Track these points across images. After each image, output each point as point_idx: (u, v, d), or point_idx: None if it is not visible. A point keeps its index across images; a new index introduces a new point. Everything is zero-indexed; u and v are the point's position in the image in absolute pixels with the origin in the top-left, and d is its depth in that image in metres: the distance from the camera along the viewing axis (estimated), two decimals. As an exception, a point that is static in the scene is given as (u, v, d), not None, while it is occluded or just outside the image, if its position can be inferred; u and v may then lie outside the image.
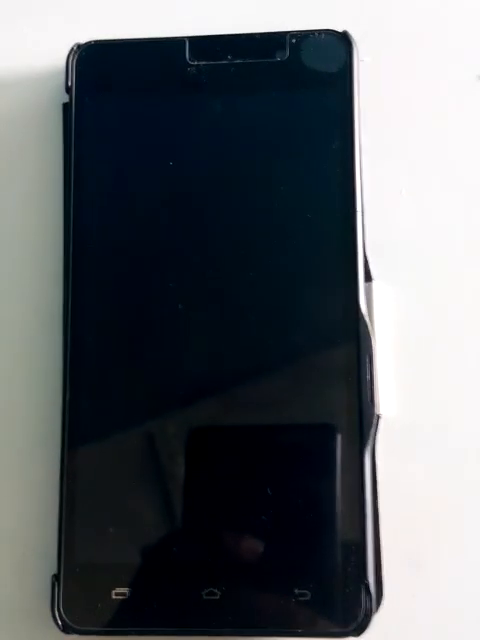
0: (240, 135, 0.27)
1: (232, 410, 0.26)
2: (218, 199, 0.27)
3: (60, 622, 0.25)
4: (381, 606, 0.25)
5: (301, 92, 0.27)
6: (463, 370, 0.27)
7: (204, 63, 0.27)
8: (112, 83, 0.28)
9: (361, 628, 0.25)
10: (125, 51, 0.28)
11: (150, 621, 0.25)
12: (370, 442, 0.26)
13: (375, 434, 0.26)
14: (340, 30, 0.27)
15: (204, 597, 0.25)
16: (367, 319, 0.26)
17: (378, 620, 0.25)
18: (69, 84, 0.28)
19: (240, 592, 0.25)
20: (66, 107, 0.28)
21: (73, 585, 0.25)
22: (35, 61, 0.29)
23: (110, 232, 0.27)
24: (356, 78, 0.27)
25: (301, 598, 0.25)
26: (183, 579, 0.25)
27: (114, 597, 0.25)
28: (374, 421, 0.26)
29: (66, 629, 0.25)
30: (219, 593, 0.25)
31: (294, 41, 0.27)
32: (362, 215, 0.27)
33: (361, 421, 0.25)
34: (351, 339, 0.26)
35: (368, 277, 0.27)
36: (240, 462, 0.26)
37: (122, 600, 0.25)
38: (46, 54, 0.29)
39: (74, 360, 0.26)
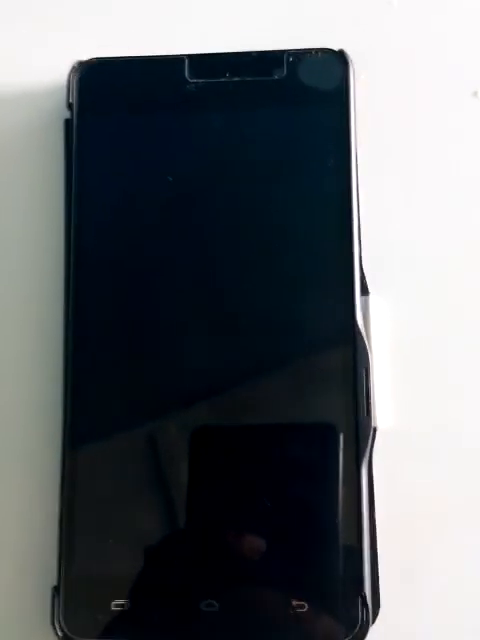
0: (238, 152, 0.28)
1: (228, 423, 0.26)
2: (217, 214, 0.27)
3: (60, 633, 0.25)
4: (378, 617, 0.25)
5: (299, 109, 0.27)
6: (459, 383, 0.28)
7: (203, 80, 0.28)
8: (113, 100, 0.28)
9: (358, 638, 0.25)
10: (126, 68, 0.28)
11: (149, 632, 0.25)
12: (367, 454, 0.26)
13: (372, 446, 0.26)
14: (337, 48, 0.28)
15: (203, 609, 0.25)
16: (363, 332, 0.26)
17: (375, 631, 0.25)
18: (70, 100, 0.28)
19: (238, 604, 0.25)
20: (67, 123, 0.28)
21: (73, 596, 0.26)
22: (37, 77, 0.30)
23: (111, 246, 0.28)
24: (353, 96, 0.27)
25: (298, 609, 0.25)
26: (182, 591, 0.25)
27: (113, 608, 0.25)
28: (371, 433, 0.26)
29: (65, 640, 0.25)
30: (217, 605, 0.25)
31: (291, 59, 0.28)
32: (359, 230, 0.27)
33: (357, 433, 0.26)
34: (348, 352, 0.26)
35: (365, 291, 0.27)
36: (238, 475, 0.26)
37: (121, 611, 0.25)
38: (48, 71, 0.29)
39: (75, 367, 0.27)
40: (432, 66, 0.29)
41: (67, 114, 0.28)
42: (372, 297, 0.27)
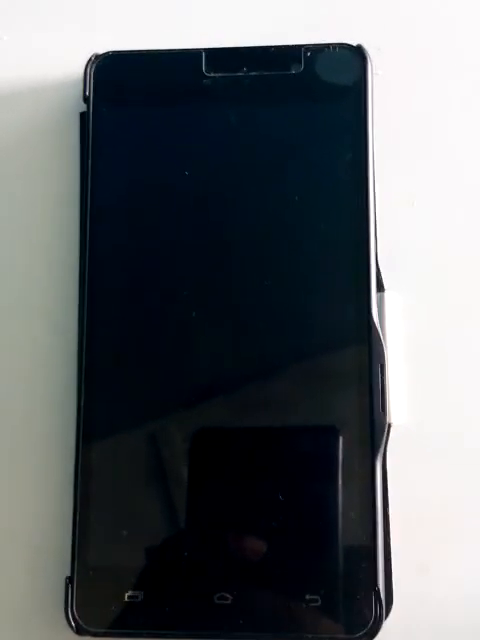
0: (255, 146, 0.28)
1: (244, 418, 0.26)
2: (233, 209, 0.27)
3: (73, 624, 0.26)
4: (391, 612, 0.25)
5: (315, 104, 0.27)
6: (474, 379, 0.28)
7: (220, 75, 0.28)
8: (129, 93, 0.28)
9: (371, 634, 0.25)
10: (142, 62, 0.28)
11: (162, 624, 0.26)
12: (381, 449, 0.26)
13: (386, 442, 0.26)
14: (355, 44, 0.28)
15: (216, 601, 0.25)
16: (379, 328, 0.26)
17: (388, 626, 0.25)
18: (87, 94, 0.28)
19: (251, 597, 0.25)
20: (83, 116, 0.28)
21: (86, 587, 0.26)
22: (53, 71, 0.30)
23: (125, 239, 0.28)
24: (370, 91, 0.27)
25: (312, 604, 0.25)
26: (195, 583, 0.25)
27: (127, 599, 0.26)
28: (385, 429, 0.26)
29: (79, 631, 0.26)
30: (230, 597, 0.25)
31: (309, 54, 0.28)
32: (374, 226, 0.27)
33: (372, 429, 0.26)
34: (363, 348, 0.26)
35: (380, 287, 0.27)
36: (252, 468, 0.26)
37: (135, 603, 0.25)
38: (64, 64, 0.29)
39: (89, 365, 0.27)
40: (450, 62, 0.29)
41: (83, 107, 0.28)
42: (388, 293, 0.27)
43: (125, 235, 0.28)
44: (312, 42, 0.28)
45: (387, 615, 0.25)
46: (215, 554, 0.26)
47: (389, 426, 0.26)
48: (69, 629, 0.26)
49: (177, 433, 0.26)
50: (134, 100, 0.28)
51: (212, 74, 0.28)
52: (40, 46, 0.30)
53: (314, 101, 0.28)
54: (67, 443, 0.27)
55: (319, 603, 0.25)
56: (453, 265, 0.28)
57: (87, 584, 0.26)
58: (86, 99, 0.28)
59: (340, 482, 0.26)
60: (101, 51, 0.28)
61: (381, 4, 0.30)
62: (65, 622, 0.26)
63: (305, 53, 0.28)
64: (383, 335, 0.26)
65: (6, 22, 0.30)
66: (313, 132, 0.27)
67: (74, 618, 0.26)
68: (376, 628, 0.25)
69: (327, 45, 0.28)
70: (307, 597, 0.25)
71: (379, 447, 0.26)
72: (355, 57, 0.28)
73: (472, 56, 0.29)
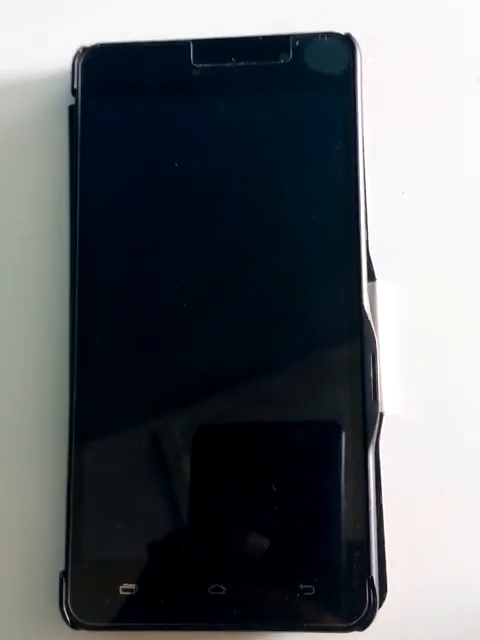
0: (244, 137, 0.28)
1: (237, 408, 0.26)
2: (223, 200, 0.27)
3: (68, 618, 0.26)
4: (385, 601, 0.25)
5: (305, 94, 0.27)
6: (466, 368, 0.28)
7: (209, 65, 0.28)
8: (117, 85, 0.28)
9: (365, 623, 0.25)
10: (130, 53, 0.28)
11: (157, 616, 0.26)
12: (374, 439, 0.26)
13: (379, 431, 0.26)
14: (344, 33, 0.28)
15: (210, 592, 0.25)
16: (370, 318, 0.26)
17: (382, 615, 0.25)
18: (75, 86, 0.28)
19: (246, 587, 0.25)
20: (72, 109, 0.28)
21: (81, 581, 0.26)
22: (41, 64, 0.30)
23: (116, 233, 0.27)
24: (359, 80, 0.27)
25: (306, 593, 0.25)
26: (189, 575, 0.26)
27: (121, 593, 0.26)
28: (377, 418, 0.26)
29: (74, 625, 0.26)
30: (225, 588, 0.25)
31: (298, 44, 0.27)
32: (365, 215, 0.27)
33: (365, 419, 0.26)
34: (354, 338, 0.26)
35: (371, 276, 0.27)
36: (245, 459, 0.26)
37: (129, 596, 0.26)
38: (52, 57, 0.29)
39: (81, 359, 0.27)
40: (439, 51, 0.29)
41: (71, 100, 0.28)
42: (379, 283, 0.27)
43: (116, 229, 0.28)
44: (301, 31, 0.28)
45: (381, 604, 0.25)
46: (209, 546, 0.26)
47: (381, 416, 0.26)
48: (64, 623, 0.26)
49: (169, 426, 0.26)
50: (123, 92, 0.28)
51: (200, 65, 0.28)
52: (27, 39, 0.30)
53: (303, 90, 0.27)
54: (61, 438, 0.27)
55: (313, 592, 0.25)
56: (444, 254, 0.28)
57: (81, 578, 0.26)
58: (74, 92, 0.28)
59: (333, 472, 0.26)
60: (89, 44, 0.28)
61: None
62: (60, 616, 0.26)
63: (294, 42, 0.28)
64: (374, 325, 0.26)
65: (-8, 15, 0.30)
66: (303, 121, 0.27)
67: (69, 612, 0.26)
68: (370, 617, 0.25)
69: (316, 34, 0.28)
70: (301, 587, 0.25)
71: (372, 437, 0.26)
72: (344, 46, 0.28)
73: (461, 43, 0.29)
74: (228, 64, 0.28)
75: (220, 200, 0.27)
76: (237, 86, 0.28)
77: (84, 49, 0.28)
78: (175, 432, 0.26)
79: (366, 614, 0.25)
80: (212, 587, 0.25)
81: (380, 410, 0.26)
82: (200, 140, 0.28)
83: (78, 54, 0.28)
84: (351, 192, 0.27)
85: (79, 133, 0.28)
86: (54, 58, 0.29)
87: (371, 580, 0.25)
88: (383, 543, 0.26)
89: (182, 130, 0.28)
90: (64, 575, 0.26)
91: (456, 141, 0.29)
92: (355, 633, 0.25)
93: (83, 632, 0.26)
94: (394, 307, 0.28)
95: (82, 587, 0.26)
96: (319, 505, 0.26)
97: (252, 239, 0.27)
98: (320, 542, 0.25)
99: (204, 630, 0.26)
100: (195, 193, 0.27)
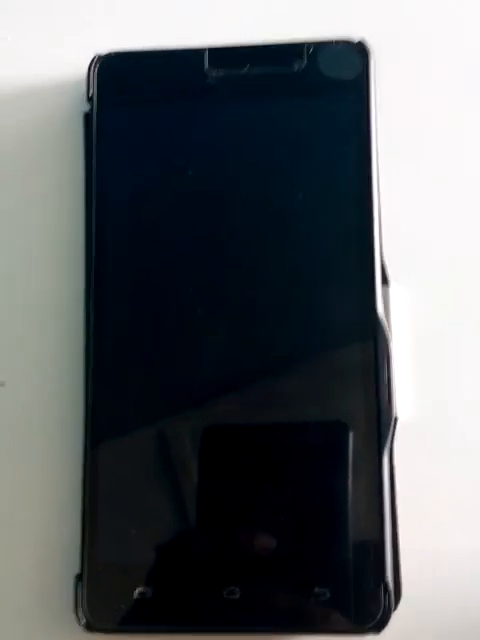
0: (259, 143, 0.28)
1: (253, 411, 0.26)
2: (237, 205, 0.28)
3: (83, 621, 0.26)
4: (399, 604, 0.25)
5: (319, 100, 0.28)
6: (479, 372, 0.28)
7: (223, 72, 0.28)
8: (133, 92, 0.28)
9: (380, 626, 0.25)
10: (145, 61, 0.28)
11: (171, 620, 0.26)
12: (388, 443, 0.26)
13: (393, 435, 0.26)
14: (357, 39, 0.28)
15: (225, 596, 0.25)
16: (384, 322, 0.26)
17: (397, 618, 0.25)
18: (90, 94, 0.28)
19: (260, 591, 0.25)
20: (87, 116, 0.29)
21: (96, 584, 0.26)
22: (56, 71, 0.30)
23: (131, 239, 0.28)
24: (373, 86, 0.27)
25: (320, 597, 0.25)
26: (204, 578, 0.26)
27: (136, 596, 0.26)
28: (392, 423, 0.26)
29: (89, 628, 0.26)
30: (239, 592, 0.25)
31: (311, 50, 0.28)
32: (379, 220, 0.27)
33: (379, 422, 0.26)
34: (369, 341, 0.26)
35: (385, 281, 0.27)
36: (260, 462, 0.26)
37: (144, 599, 0.25)
38: (67, 64, 0.29)
39: (96, 362, 0.27)
40: (451, 56, 0.29)
41: (87, 107, 0.29)
42: (393, 287, 0.27)
43: (131, 234, 0.28)
44: (314, 38, 0.28)
45: (396, 607, 0.25)
46: (224, 549, 0.26)
47: (396, 420, 0.26)
48: (79, 626, 0.26)
49: (184, 429, 0.26)
50: (138, 99, 0.28)
51: (215, 72, 0.28)
52: (43, 46, 0.30)
53: (317, 97, 0.28)
54: (76, 440, 0.27)
55: (328, 596, 0.25)
56: (458, 258, 0.28)
57: (96, 581, 0.26)
58: (90, 99, 0.28)
59: (347, 476, 0.26)
60: (104, 51, 0.29)
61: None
62: (74, 619, 0.26)
63: (307, 49, 0.28)
64: (388, 328, 0.26)
65: (9, 22, 0.31)
66: (317, 127, 0.27)
67: (83, 615, 0.26)
68: (385, 620, 0.25)
69: (329, 41, 0.28)
70: (316, 590, 0.25)
71: (386, 441, 0.26)
72: (357, 52, 0.28)
73: (473, 49, 0.29)
74: (242, 71, 0.28)
75: (235, 206, 0.28)
76: (251, 93, 0.28)
77: (99, 57, 0.28)
78: (191, 435, 0.26)
79: (381, 617, 0.25)
80: (227, 591, 0.25)
81: (394, 414, 0.26)
82: (214, 147, 0.28)
83: (93, 61, 0.28)
84: (365, 197, 0.27)
85: (94, 140, 0.28)
86: (69, 65, 0.29)
87: (386, 584, 0.25)
88: (398, 546, 0.26)
89: (197, 137, 0.28)
90: (79, 578, 0.26)
91: (470, 144, 0.29)
92: (370, 636, 0.25)
93: (98, 635, 0.26)
94: (408, 311, 0.28)
95: (97, 590, 0.26)
96: (333, 509, 0.26)
97: (267, 244, 0.27)
98: (334, 546, 0.25)
99: (218, 633, 0.26)
100: (210, 199, 0.28)
